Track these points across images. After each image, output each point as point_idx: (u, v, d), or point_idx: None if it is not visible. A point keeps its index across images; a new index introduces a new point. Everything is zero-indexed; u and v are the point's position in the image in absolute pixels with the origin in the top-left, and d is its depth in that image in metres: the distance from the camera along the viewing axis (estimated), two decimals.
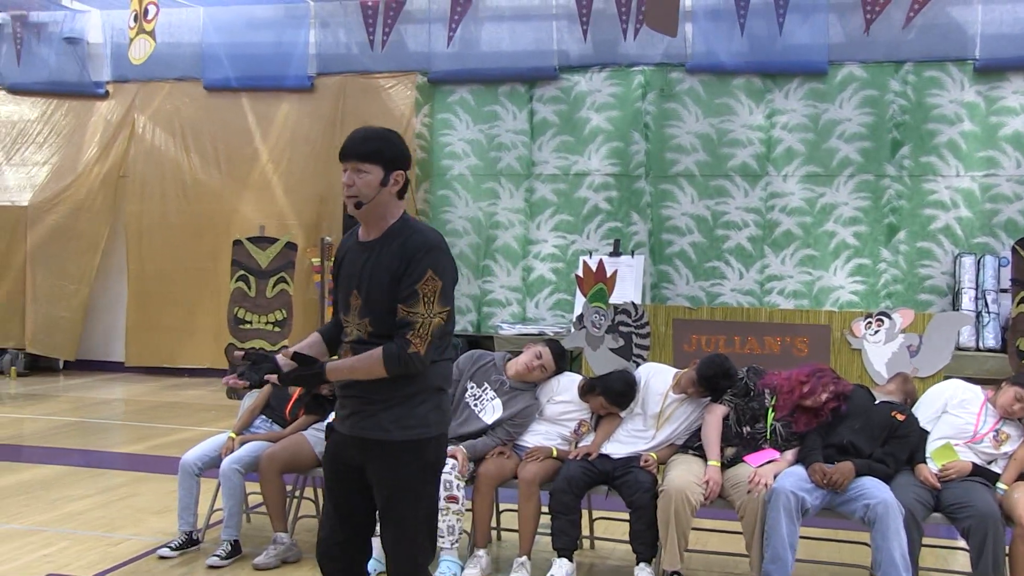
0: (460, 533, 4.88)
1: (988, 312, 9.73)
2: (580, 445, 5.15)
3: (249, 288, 10.77)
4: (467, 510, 4.95)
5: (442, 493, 4.78)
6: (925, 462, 4.68)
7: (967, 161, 10.27)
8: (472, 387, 5.27)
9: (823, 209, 10.62)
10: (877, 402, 4.91)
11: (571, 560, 4.83)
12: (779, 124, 10.74)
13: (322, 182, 11.70)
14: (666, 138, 11.01)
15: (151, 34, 10.48)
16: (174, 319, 12.38)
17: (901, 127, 10.42)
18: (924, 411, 4.94)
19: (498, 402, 5.20)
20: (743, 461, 4.77)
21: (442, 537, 4.80)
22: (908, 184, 10.41)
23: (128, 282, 12.61)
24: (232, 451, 5.36)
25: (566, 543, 4.82)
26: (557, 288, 11.31)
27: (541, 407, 5.28)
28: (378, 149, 3.27)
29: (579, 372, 5.91)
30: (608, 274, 6.96)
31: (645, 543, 4.73)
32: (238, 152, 12.30)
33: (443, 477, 4.75)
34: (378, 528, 3.37)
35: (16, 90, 13.08)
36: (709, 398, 5.03)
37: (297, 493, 5.57)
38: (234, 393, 2.82)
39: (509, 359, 5.36)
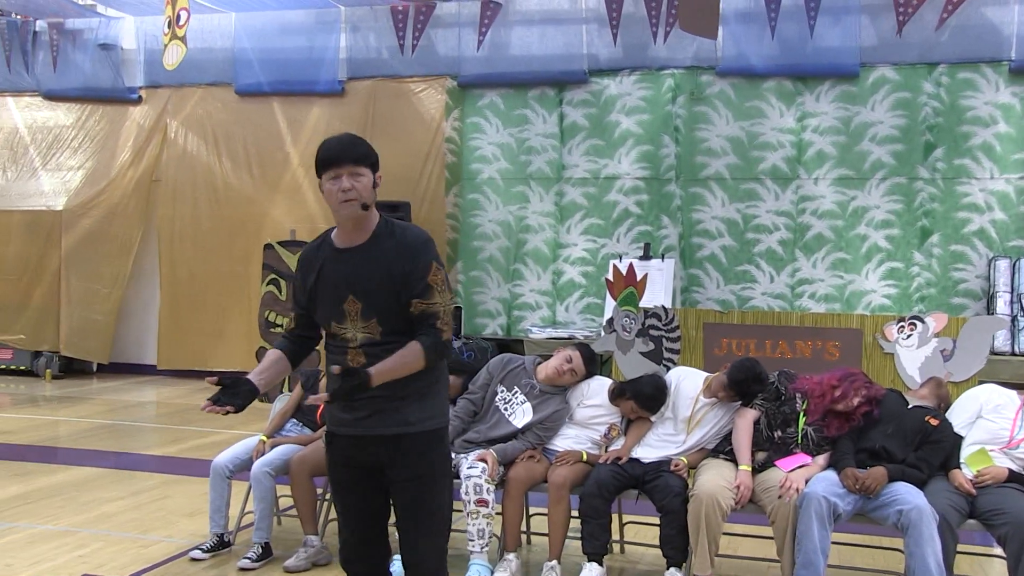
0: (490, 537, 4.88)
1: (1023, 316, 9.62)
2: (610, 449, 5.14)
3: (280, 292, 10.84)
4: (497, 514, 4.95)
5: (472, 496, 4.79)
6: (959, 468, 4.63)
7: (1001, 163, 10.16)
8: (502, 391, 5.27)
9: (855, 212, 10.54)
10: (910, 407, 4.86)
11: (601, 564, 4.82)
12: (810, 127, 10.67)
13: None
14: (696, 141, 10.97)
15: (183, 39, 10.57)
16: (206, 322, 12.49)
17: (934, 129, 10.32)
18: (958, 416, 4.88)
19: (528, 406, 5.20)
20: (774, 466, 4.74)
21: (472, 541, 4.81)
22: (941, 187, 10.31)
23: (160, 286, 12.73)
24: (263, 454, 5.39)
25: (596, 547, 4.81)
26: (587, 292, 11.30)
27: (571, 411, 5.28)
28: (367, 153, 3.33)
29: (609, 376, 5.90)
30: (638, 278, 6.95)
31: (675, 548, 4.71)
32: (269, 156, 12.38)
33: (473, 480, 4.78)
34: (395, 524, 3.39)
35: (52, 96, 13.24)
36: (740, 402, 5.00)
37: (327, 496, 5.59)
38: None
39: (539, 363, 5.36)
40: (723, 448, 5.00)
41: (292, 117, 12.32)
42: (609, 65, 11.24)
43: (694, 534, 4.58)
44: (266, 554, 5.22)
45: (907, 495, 4.37)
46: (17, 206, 13.03)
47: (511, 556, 4.96)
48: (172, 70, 10.99)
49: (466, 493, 4.80)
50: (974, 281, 10.22)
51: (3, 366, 12.88)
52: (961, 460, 4.67)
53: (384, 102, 11.94)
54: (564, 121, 11.43)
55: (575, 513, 4.92)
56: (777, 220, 10.75)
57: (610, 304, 8.13)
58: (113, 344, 12.86)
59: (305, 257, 3.50)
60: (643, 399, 5.10)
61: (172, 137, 12.74)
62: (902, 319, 6.29)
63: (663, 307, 6.77)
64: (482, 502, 4.80)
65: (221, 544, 5.34)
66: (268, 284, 10.92)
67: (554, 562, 4.88)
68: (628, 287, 6.89)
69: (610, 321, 6.96)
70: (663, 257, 10.50)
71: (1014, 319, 9.63)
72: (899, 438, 4.66)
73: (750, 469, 4.74)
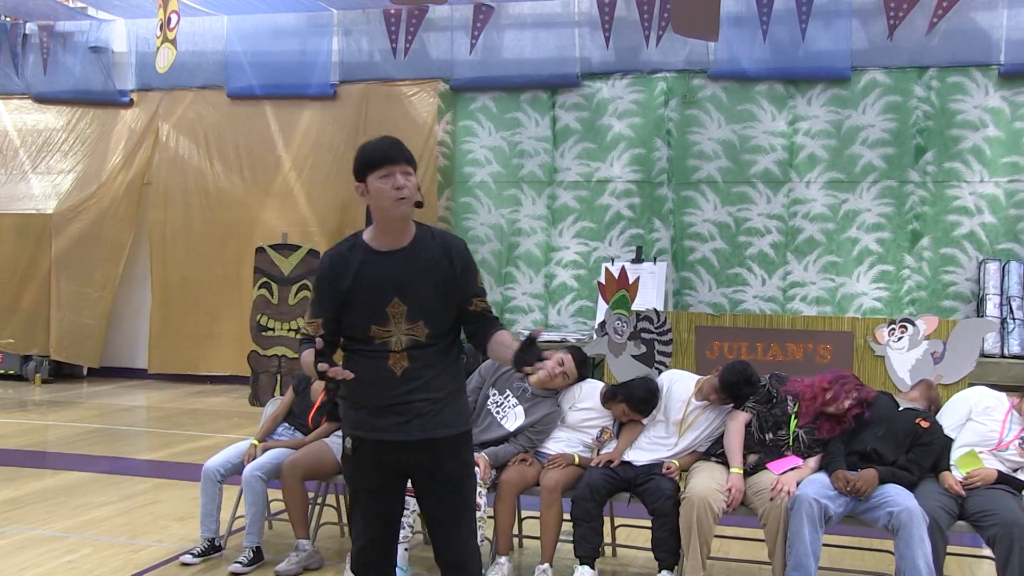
0: (482, 540, 4.86)
1: (1013, 318, 9.65)
2: (602, 452, 5.14)
3: (272, 295, 10.83)
4: (489, 517, 4.95)
5: None
6: (949, 469, 4.64)
7: (991, 167, 10.20)
8: (494, 394, 5.27)
9: (846, 215, 10.57)
10: (901, 409, 4.88)
11: (593, 567, 4.82)
12: (802, 130, 10.70)
13: (345, 190, 11.71)
14: (688, 145, 10.99)
15: (173, 42, 10.55)
16: (197, 326, 12.45)
17: (925, 133, 10.36)
18: (948, 418, 4.89)
19: (520, 409, 5.20)
20: (766, 468, 4.75)
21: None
22: (932, 190, 10.35)
23: (152, 289, 12.69)
24: (254, 458, 5.37)
25: (588, 550, 4.81)
26: (579, 295, 11.31)
27: (563, 414, 5.27)
28: (412, 155, 3.36)
29: (601, 379, 5.90)
30: (630, 281, 6.96)
31: (667, 550, 4.71)
32: (261, 160, 12.36)
33: None
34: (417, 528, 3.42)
35: (42, 99, 13.20)
36: (731, 405, 5.01)
37: (319, 500, 5.59)
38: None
39: None
40: (715, 451, 5.00)
41: (284, 120, 12.30)
42: (601, 69, 11.26)
43: (686, 537, 4.58)
44: (257, 558, 5.20)
45: (897, 497, 4.38)
46: (7, 209, 12.99)
47: (503, 559, 4.95)
48: (163, 73, 10.98)
49: None
50: (964, 284, 10.26)
51: None
52: (951, 462, 4.69)
53: (376, 105, 11.93)
54: (556, 124, 11.44)
55: (567, 516, 4.92)
56: (769, 223, 10.78)
57: (602, 307, 8.15)
58: (104, 348, 12.82)
59: (335, 260, 3.39)
60: (635, 402, 5.10)
61: (163, 140, 12.70)
62: (893, 322, 6.31)
63: (655, 310, 6.77)
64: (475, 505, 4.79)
65: (212, 548, 5.32)
66: (260, 288, 10.90)
67: (546, 565, 4.88)
68: (620, 290, 6.89)
69: (602, 324, 6.95)
70: (655, 260, 10.52)
71: (1003, 322, 9.67)
72: (890, 440, 4.67)
73: (742, 472, 4.74)
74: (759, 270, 10.80)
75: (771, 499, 4.52)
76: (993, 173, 10.20)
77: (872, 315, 10.15)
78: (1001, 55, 10.14)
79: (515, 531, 5.34)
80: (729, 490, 4.65)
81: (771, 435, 4.85)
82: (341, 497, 5.76)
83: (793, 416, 4.85)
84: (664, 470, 4.89)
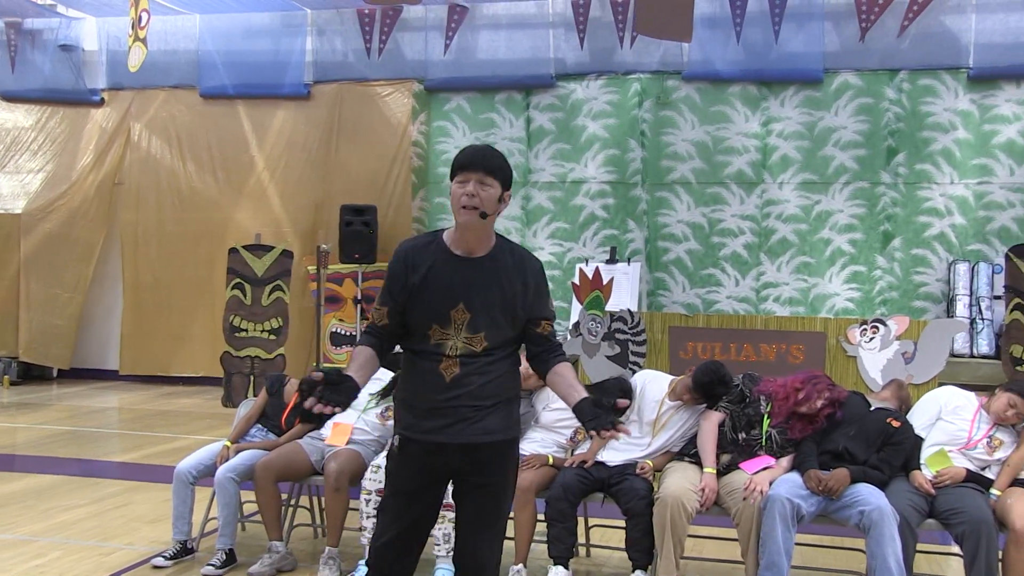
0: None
1: (982, 319, 9.75)
2: (576, 452, 5.14)
3: (245, 296, 10.78)
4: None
5: None
6: (920, 468, 4.68)
7: (961, 169, 10.31)
8: None
9: (819, 216, 10.65)
10: (872, 409, 4.91)
11: (567, 568, 4.82)
12: (775, 132, 10.77)
13: (318, 190, 11.69)
14: (662, 146, 11.03)
15: (144, 41, 10.46)
16: (169, 327, 12.37)
17: (896, 135, 10.45)
18: (919, 418, 4.94)
19: None
20: (739, 468, 4.77)
21: (438, 545, 4.79)
22: (903, 191, 10.44)
23: (123, 290, 12.59)
24: (227, 459, 5.34)
25: (562, 551, 4.81)
26: (554, 295, 11.27)
27: (537, 414, 5.28)
28: (501, 166, 3.35)
29: None
30: (604, 281, 6.98)
31: (641, 550, 4.72)
32: (234, 160, 12.29)
33: None
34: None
35: (10, 97, 13.08)
36: (705, 405, 5.03)
37: (292, 502, 5.56)
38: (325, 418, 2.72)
39: None
40: (688, 451, 5.02)
41: (257, 120, 12.23)
42: (576, 69, 11.28)
43: (659, 537, 4.59)
44: (230, 560, 5.17)
45: (869, 496, 4.42)
46: None
47: (519, 568, 4.93)
48: (135, 72, 10.89)
49: None
50: (934, 284, 10.36)
51: None
52: (921, 461, 4.73)
53: (350, 105, 11.89)
54: (531, 125, 11.45)
55: (541, 517, 4.92)
56: (742, 224, 10.84)
57: (576, 308, 8.16)
58: (75, 349, 12.71)
59: (410, 252, 3.38)
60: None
61: (135, 140, 12.61)
62: (865, 322, 6.36)
63: (629, 311, 6.79)
64: (448, 506, 4.78)
65: (184, 551, 5.28)
66: (233, 288, 10.85)
67: (520, 566, 4.88)
68: (594, 291, 6.91)
69: (576, 325, 6.97)
70: (629, 261, 10.55)
71: (973, 322, 9.76)
72: (861, 440, 4.70)
73: (715, 471, 4.76)
74: (732, 271, 10.86)
75: (744, 499, 4.54)
76: (963, 175, 10.31)
77: (844, 316, 10.23)
78: (970, 59, 10.26)
79: None
80: (703, 490, 4.66)
81: (744, 435, 4.88)
82: (314, 499, 5.74)
83: (766, 416, 4.87)
84: (638, 470, 4.90)
